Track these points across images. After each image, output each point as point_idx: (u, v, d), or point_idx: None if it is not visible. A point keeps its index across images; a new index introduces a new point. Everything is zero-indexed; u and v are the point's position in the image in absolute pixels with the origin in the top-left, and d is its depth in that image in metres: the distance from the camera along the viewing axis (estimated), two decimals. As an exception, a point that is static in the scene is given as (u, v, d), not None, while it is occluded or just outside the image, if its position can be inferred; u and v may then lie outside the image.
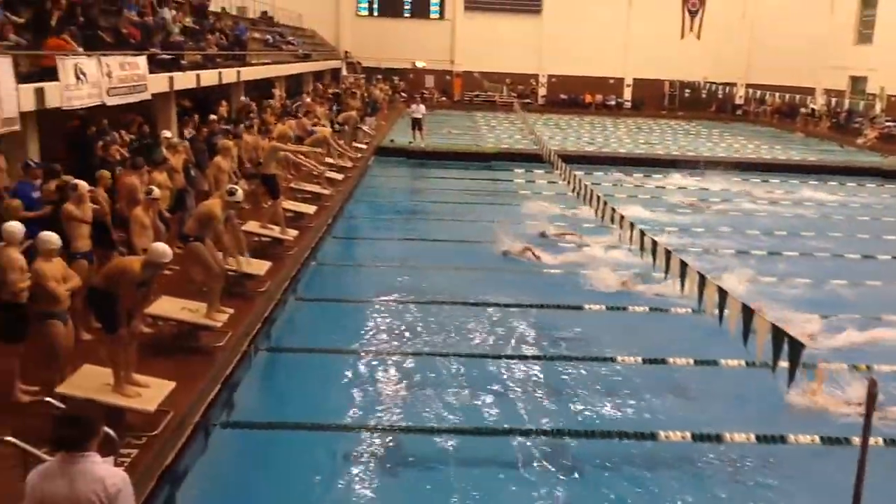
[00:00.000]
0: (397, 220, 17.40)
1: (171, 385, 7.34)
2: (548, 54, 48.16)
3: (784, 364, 7.13)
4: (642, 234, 11.75)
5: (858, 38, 43.17)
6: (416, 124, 27.76)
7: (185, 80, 17.00)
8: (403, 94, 45.30)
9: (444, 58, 48.63)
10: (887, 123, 36.68)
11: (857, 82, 43.16)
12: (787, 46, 44.89)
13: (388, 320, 11.21)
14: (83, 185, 8.92)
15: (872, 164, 28.73)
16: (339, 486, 6.97)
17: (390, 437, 7.87)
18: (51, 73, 11.16)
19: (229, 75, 20.68)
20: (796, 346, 7.07)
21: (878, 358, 10.16)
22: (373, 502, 6.73)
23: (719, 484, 7.42)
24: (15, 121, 9.81)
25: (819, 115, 42.17)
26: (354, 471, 7.21)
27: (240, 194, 10.09)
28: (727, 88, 46.39)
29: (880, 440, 7.83)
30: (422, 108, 28.38)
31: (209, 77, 18.71)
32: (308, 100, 26.74)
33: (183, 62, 17.20)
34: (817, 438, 8.05)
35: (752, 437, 8.08)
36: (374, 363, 9.66)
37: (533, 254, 14.60)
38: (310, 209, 15.75)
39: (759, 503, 7.17)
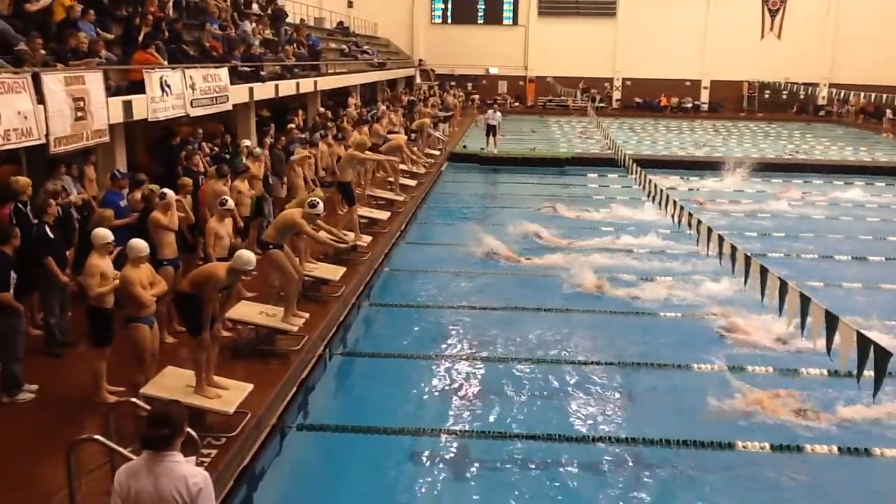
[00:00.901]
0: (469, 225, 17.42)
1: (249, 387, 7.54)
2: (622, 57, 47.66)
3: (870, 373, 6.91)
4: (721, 238, 11.51)
5: (951, 34, 41.36)
6: (492, 131, 27.79)
7: (264, 90, 17.43)
8: (478, 100, 45.43)
9: (518, 63, 48.61)
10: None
11: (950, 80, 41.27)
12: (873, 44, 43.35)
13: (460, 325, 11.26)
14: (171, 193, 9.26)
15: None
16: (411, 489, 7.04)
17: (462, 442, 7.91)
18: (138, 87, 11.61)
19: (306, 85, 21.09)
20: (883, 355, 6.84)
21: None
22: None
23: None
24: (104, 132, 10.23)
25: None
26: (426, 475, 7.27)
27: (320, 207, 10.26)
28: (809, 89, 45.00)
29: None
30: (498, 115, 28.40)
31: (287, 87, 19.13)
32: (383, 107, 27.08)
33: (262, 73, 17.65)
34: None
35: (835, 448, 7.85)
36: (446, 368, 9.73)
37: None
38: (384, 215, 15.95)
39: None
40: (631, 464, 7.61)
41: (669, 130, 38.88)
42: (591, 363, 9.87)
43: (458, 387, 9.23)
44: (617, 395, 9.13)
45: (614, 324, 11.43)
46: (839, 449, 7.84)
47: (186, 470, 4.13)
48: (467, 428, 8.18)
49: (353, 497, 7.00)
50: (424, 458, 7.55)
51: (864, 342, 6.95)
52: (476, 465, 7.57)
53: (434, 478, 7.21)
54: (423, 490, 7.02)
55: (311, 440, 8.06)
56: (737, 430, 8.18)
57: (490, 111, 29.00)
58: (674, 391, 9.25)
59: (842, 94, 42.58)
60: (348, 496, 7.01)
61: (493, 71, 48.79)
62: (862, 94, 40.82)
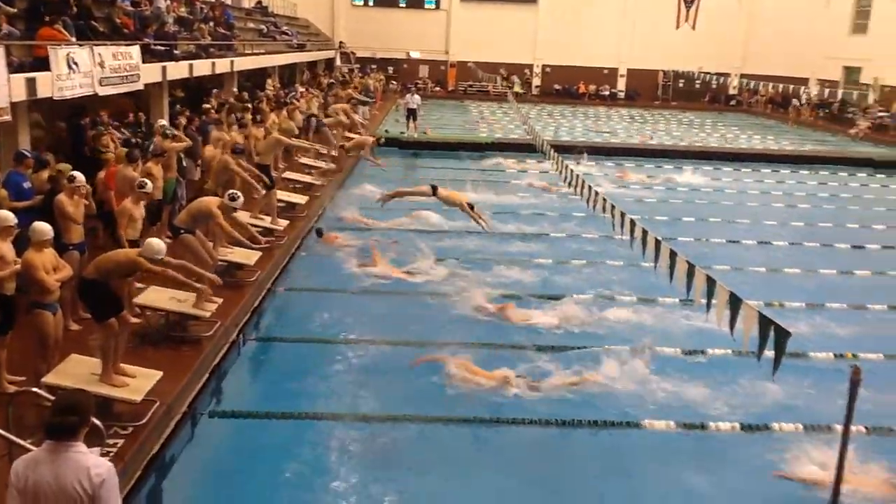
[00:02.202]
0: (387, 209, 17.38)
1: (158, 375, 7.38)
2: (543, 44, 48.15)
3: (770, 353, 7.22)
4: (633, 223, 11.81)
5: (854, 29, 43.14)
6: (412, 115, 27.76)
7: (178, 70, 16.94)
8: (399, 85, 45.26)
9: (439, 48, 48.58)
10: (880, 114, 36.80)
11: (851, 73, 43.24)
12: (782, 37, 44.94)
13: (376, 310, 11.22)
14: (81, 178, 8.86)
15: (863, 154, 28.88)
16: (326, 474, 6.99)
17: (378, 426, 7.91)
18: (43, 64, 11.14)
19: (223, 65, 20.62)
20: (782, 335, 7.15)
21: (865, 345, 10.27)
22: (359, 491, 6.77)
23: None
24: (6, 111, 9.80)
25: (810, 104, 42.29)
26: (341, 459, 7.24)
27: (240, 201, 10.11)
28: (721, 78, 46.45)
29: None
30: (416, 98, 28.39)
31: (202, 67, 18.65)
32: (301, 90, 26.71)
33: (176, 52, 17.16)
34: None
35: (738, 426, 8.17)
36: (363, 353, 9.68)
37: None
38: (301, 199, 15.78)
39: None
40: (541, 448, 7.76)
41: (587, 117, 39.57)
42: (508, 346, 10.00)
43: (374, 371, 9.21)
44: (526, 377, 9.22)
45: (530, 304, 11.58)
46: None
47: (90, 460, 4.03)
48: (383, 412, 8.17)
49: (267, 483, 6.92)
50: (340, 443, 7.52)
51: (765, 323, 7.26)
52: (393, 449, 7.60)
53: (350, 463, 7.18)
54: (339, 475, 6.99)
55: (224, 427, 7.94)
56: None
57: (408, 95, 28.96)
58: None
59: (752, 85, 44.19)
60: (262, 482, 6.93)
61: (415, 55, 48.63)
62: (770, 85, 42.43)
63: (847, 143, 33.48)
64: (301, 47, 34.07)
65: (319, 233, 14.60)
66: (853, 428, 6.36)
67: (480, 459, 7.63)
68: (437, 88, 47.89)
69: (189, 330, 8.99)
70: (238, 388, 8.99)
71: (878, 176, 25.55)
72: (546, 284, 12.64)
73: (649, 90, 48.94)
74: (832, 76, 43.82)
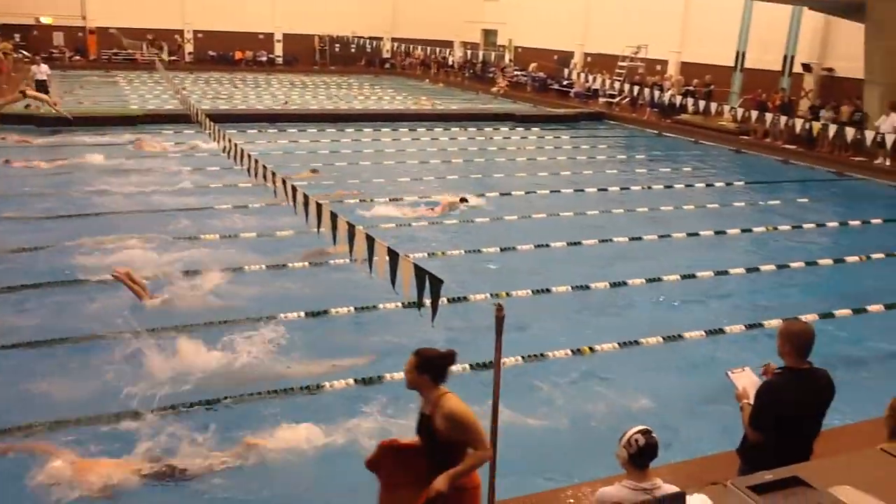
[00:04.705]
0: (23, 198, 15.45)
1: None
2: (192, 8, 45.86)
3: (427, 301, 7.54)
4: (294, 189, 11.69)
5: (488, -5, 47.05)
6: (41, 87, 25.00)
7: None
8: (25, 54, 40.50)
9: (75, 13, 44.14)
10: (516, 72, 40.51)
11: (490, 35, 47.14)
12: (427, 2, 47.49)
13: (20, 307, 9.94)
14: None
15: (505, 110, 31.60)
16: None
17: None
18: None
19: None
20: (436, 283, 7.51)
21: (517, 284, 11.22)
22: None
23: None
24: None
25: (454, 65, 45.40)
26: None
27: None
28: (374, 43, 47.99)
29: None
30: (44, 68, 25.59)
31: None
32: None
33: None
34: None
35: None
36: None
37: None
38: None
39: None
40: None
41: (246, 84, 38.65)
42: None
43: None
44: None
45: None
46: None
47: None
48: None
49: None
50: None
51: (420, 273, 7.56)
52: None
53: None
54: None
55: None
56: None
57: (35, 66, 26.07)
58: None
59: (403, 48, 46.25)
60: None
61: (46, 20, 43.72)
62: (420, 48, 44.74)
63: (490, 100, 36.39)
64: None
65: None
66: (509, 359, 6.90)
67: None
68: (77, 58, 43.64)
69: None
70: None
71: (518, 129, 28.17)
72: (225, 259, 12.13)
73: (307, 55, 49.01)
74: (473, 39, 47.43)
